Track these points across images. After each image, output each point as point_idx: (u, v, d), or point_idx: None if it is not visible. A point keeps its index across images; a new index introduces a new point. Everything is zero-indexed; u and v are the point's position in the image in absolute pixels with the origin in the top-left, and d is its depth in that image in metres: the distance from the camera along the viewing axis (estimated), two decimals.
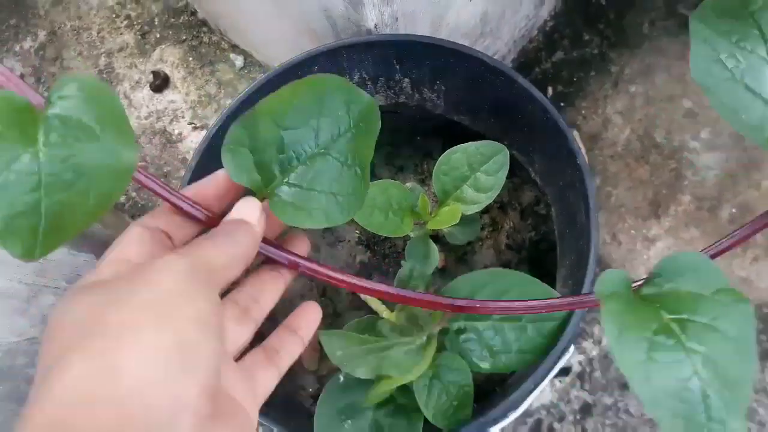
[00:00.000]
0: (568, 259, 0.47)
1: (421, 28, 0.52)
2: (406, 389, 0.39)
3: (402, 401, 0.40)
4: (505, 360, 0.37)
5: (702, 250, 0.32)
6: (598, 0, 0.80)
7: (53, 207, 0.23)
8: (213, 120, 0.78)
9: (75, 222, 0.23)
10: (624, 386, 0.67)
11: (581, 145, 0.76)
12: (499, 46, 0.70)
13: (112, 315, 0.21)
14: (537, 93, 0.45)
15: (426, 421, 0.39)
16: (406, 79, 0.51)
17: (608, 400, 0.67)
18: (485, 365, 0.37)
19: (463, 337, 0.38)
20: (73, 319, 0.22)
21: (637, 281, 0.31)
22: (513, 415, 0.39)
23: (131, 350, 0.21)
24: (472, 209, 0.44)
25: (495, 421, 0.39)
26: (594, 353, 0.68)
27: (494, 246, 0.52)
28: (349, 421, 0.40)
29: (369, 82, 0.51)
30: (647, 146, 0.75)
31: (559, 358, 0.38)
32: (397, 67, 0.49)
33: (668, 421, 0.26)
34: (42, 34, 0.85)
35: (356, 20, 0.47)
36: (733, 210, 0.73)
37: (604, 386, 0.67)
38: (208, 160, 0.46)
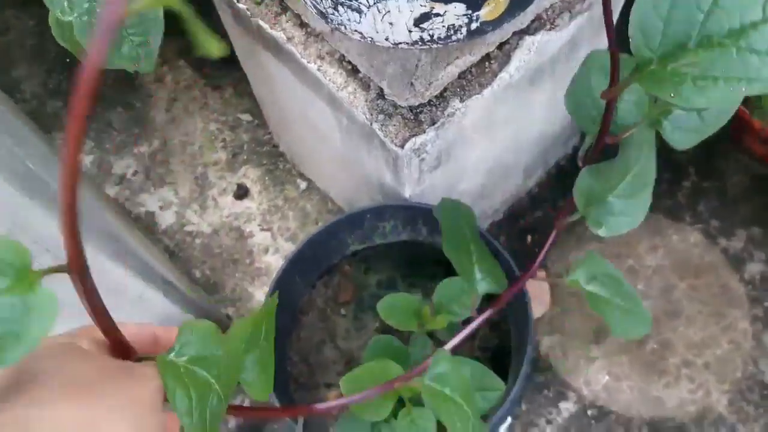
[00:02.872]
0: (515, 363, 0.71)
1: (440, 194, 0.79)
2: None
3: None
4: None
5: None
6: (572, 179, 1.08)
7: None
8: (285, 242, 1.04)
9: None
10: None
11: (547, 283, 1.01)
12: (493, 203, 0.98)
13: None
14: (500, 247, 0.72)
15: None
16: (425, 227, 0.78)
17: None
18: None
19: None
20: None
21: None
22: None
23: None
24: (456, 319, 0.69)
25: None
26: None
27: (470, 346, 0.77)
28: None
29: (400, 227, 0.78)
30: None
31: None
32: (420, 220, 0.76)
33: None
34: (156, 143, 1.14)
35: (398, 191, 0.74)
36: (655, 346, 0.98)
37: None
38: (288, 276, 0.72)
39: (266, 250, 1.05)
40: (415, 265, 0.82)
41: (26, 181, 0.47)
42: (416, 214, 0.75)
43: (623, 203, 0.57)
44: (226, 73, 1.18)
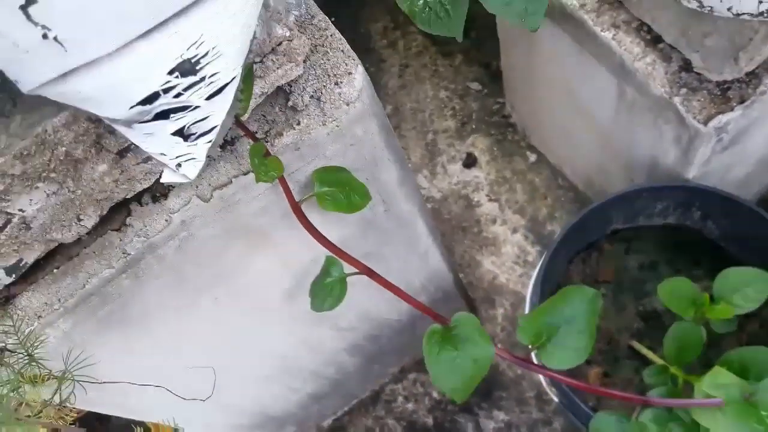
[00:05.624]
0: None
1: (712, 180, 0.75)
2: None
3: None
4: None
5: None
6: None
7: None
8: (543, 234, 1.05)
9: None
10: None
11: None
12: (746, 194, 0.92)
13: None
14: None
15: None
16: (699, 212, 0.74)
17: None
18: None
19: None
20: None
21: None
22: None
23: None
24: (738, 311, 0.66)
25: None
26: None
27: (739, 338, 0.74)
28: None
29: (671, 209, 0.75)
30: None
31: None
32: (696, 203, 0.73)
33: None
34: (389, 108, 1.19)
35: (678, 171, 0.71)
36: None
37: None
38: (547, 275, 0.71)
39: (494, 221, 1.06)
40: (679, 251, 0.79)
41: (388, 135, 0.51)
42: (694, 196, 0.72)
43: None
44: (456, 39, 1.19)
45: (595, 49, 0.71)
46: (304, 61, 0.44)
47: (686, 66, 0.64)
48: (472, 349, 0.53)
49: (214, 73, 0.32)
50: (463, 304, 0.92)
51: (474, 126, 1.14)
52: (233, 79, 0.33)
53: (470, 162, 1.10)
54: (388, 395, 0.97)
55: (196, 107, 0.32)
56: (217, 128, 0.33)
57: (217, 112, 0.33)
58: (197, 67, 0.32)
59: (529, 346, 0.56)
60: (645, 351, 0.70)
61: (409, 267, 0.69)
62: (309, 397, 0.81)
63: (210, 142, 0.34)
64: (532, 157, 1.08)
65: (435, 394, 0.96)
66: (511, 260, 1.02)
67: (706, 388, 0.60)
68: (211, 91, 0.33)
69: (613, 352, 0.76)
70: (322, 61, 0.44)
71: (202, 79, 0.32)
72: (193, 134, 0.33)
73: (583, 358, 0.55)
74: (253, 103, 0.42)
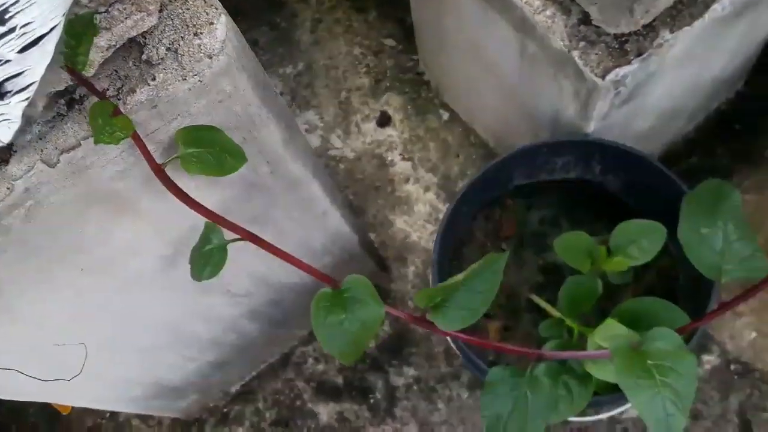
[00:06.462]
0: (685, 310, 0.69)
1: (613, 134, 0.76)
2: None
3: None
4: None
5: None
6: (733, 125, 1.01)
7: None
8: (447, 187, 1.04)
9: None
10: (695, 416, 0.88)
11: None
12: (652, 147, 0.93)
13: None
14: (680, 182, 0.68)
15: None
16: (599, 166, 0.75)
17: None
18: None
19: None
20: None
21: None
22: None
23: None
24: (633, 263, 0.67)
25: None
26: None
27: (635, 290, 0.75)
28: None
29: (572, 163, 0.75)
30: None
31: None
32: (596, 156, 0.73)
33: (648, 416, 0.50)
34: (300, 65, 1.15)
35: (578, 126, 0.71)
36: None
37: None
38: (452, 224, 0.71)
39: (407, 180, 1.05)
40: (580, 205, 0.80)
41: (265, 92, 0.48)
42: (594, 150, 0.72)
43: None
44: None
45: (497, 2, 0.69)
46: (160, 11, 0.40)
47: (585, 19, 0.63)
48: (360, 311, 0.52)
49: (27, 23, 0.29)
50: (373, 264, 0.91)
51: (388, 84, 1.11)
52: (52, 29, 0.29)
53: (384, 121, 1.08)
54: (298, 357, 0.96)
55: (7, 61, 0.28)
56: (35, 85, 0.30)
57: (35, 67, 0.29)
58: (5, 16, 0.28)
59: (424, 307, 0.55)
60: (543, 304, 0.71)
61: (306, 230, 0.67)
62: (210, 365, 0.79)
63: (27, 99, 0.30)
64: (445, 115, 1.07)
65: None
66: (423, 218, 1.02)
67: (598, 339, 0.61)
68: (24, 43, 0.29)
69: (513, 306, 0.76)
70: (180, 11, 0.41)
71: (12, 29, 0.28)
72: (8, 92, 0.29)
73: (476, 318, 0.54)
74: (100, 57, 0.38)
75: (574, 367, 0.63)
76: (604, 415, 0.80)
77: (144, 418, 1.00)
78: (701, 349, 0.93)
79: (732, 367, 0.93)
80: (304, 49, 1.15)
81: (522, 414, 0.62)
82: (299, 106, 1.11)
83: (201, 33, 0.40)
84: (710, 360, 0.93)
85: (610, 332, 0.60)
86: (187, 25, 0.40)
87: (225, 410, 0.99)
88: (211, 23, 0.40)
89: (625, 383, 0.52)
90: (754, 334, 0.94)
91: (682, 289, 0.73)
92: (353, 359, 0.52)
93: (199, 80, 0.41)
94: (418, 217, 1.03)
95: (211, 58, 0.41)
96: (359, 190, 1.05)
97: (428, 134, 1.07)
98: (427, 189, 1.04)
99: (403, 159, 1.06)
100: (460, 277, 0.53)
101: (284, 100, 1.12)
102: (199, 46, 0.40)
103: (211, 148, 0.44)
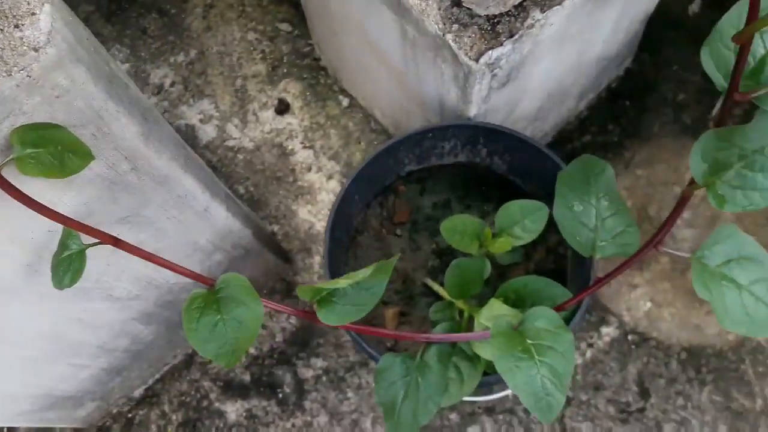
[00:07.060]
0: (573, 286, 0.71)
1: (500, 117, 0.76)
2: None
3: None
4: None
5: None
6: (623, 102, 1.05)
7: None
8: (336, 166, 1.02)
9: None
10: (596, 388, 0.91)
11: None
12: (545, 127, 0.95)
13: None
14: (558, 160, 0.70)
15: None
16: (485, 149, 0.75)
17: (583, 397, 0.90)
18: None
19: None
20: None
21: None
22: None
23: None
24: (518, 243, 0.68)
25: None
26: (580, 361, 0.92)
27: (526, 268, 0.77)
28: None
29: (459, 147, 0.76)
30: (642, 217, 0.99)
31: None
32: (481, 140, 0.74)
33: (526, 397, 0.52)
34: (193, 53, 1.10)
35: (462, 110, 0.71)
36: None
37: (583, 387, 0.91)
38: (348, 195, 0.70)
39: (309, 169, 1.03)
40: (471, 188, 0.80)
41: (111, 84, 0.45)
42: (478, 134, 0.73)
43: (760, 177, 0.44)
44: None
45: None
46: None
47: (457, 1, 0.63)
48: (237, 311, 0.50)
49: None
50: (274, 257, 0.89)
51: (285, 70, 1.09)
52: None
53: (283, 108, 1.06)
54: (202, 357, 0.93)
55: None
56: None
57: None
58: None
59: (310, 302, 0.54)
60: (436, 287, 0.71)
61: (189, 228, 0.64)
62: (104, 371, 0.75)
63: None
64: (345, 102, 1.06)
65: (252, 350, 0.94)
66: (327, 207, 1.01)
67: (483, 320, 0.62)
68: None
69: (409, 291, 0.77)
70: None
71: None
72: None
73: (362, 314, 0.54)
74: None
75: (464, 349, 0.64)
76: (502, 394, 0.82)
77: None
78: (600, 322, 0.96)
79: (629, 337, 0.96)
80: (196, 36, 1.11)
81: (414, 399, 0.62)
82: (193, 95, 1.07)
83: (22, 24, 0.37)
84: (609, 332, 0.96)
85: (494, 312, 0.61)
86: (6, 16, 0.37)
87: (130, 415, 0.95)
88: (33, 13, 0.37)
89: (502, 365, 0.53)
90: (649, 305, 0.98)
91: (571, 265, 0.75)
92: (234, 362, 0.51)
93: (26, 75, 0.38)
94: (322, 206, 1.02)
95: (37, 51, 0.38)
96: (259, 181, 1.02)
97: (329, 121, 1.05)
98: (330, 177, 1.03)
99: (304, 147, 1.04)
100: (346, 282, 0.52)
101: (136, 87, 1.08)
102: (21, 38, 0.37)
103: (51, 148, 0.41)
